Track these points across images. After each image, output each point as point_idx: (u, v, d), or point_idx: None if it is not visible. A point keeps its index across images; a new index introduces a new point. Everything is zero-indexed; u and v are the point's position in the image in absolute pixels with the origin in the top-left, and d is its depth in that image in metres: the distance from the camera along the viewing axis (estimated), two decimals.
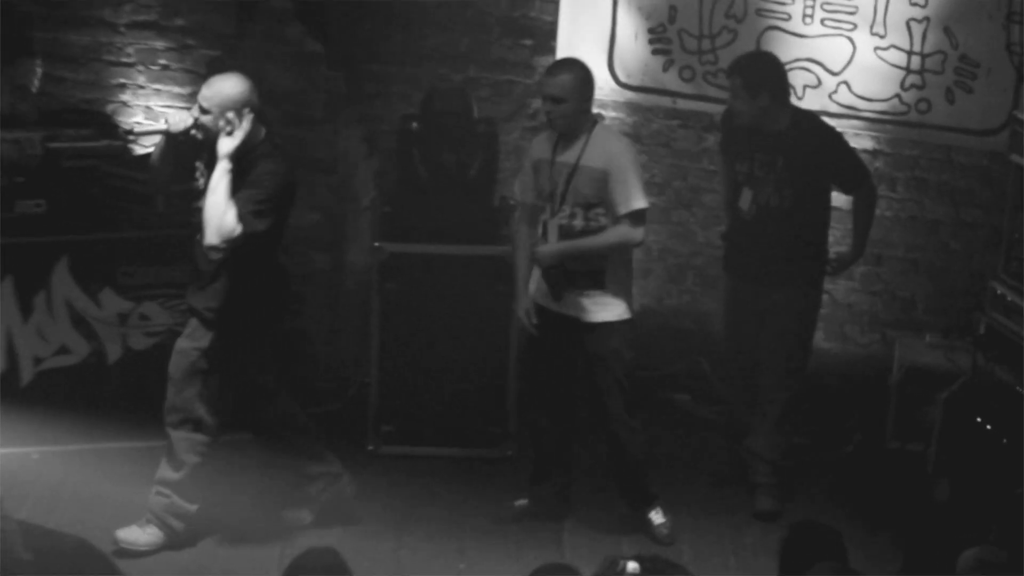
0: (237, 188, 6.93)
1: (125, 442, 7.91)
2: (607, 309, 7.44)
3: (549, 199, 7.45)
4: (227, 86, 7.05)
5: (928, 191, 8.86)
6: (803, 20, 8.66)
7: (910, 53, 8.59)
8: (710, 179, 8.95)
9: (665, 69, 8.88)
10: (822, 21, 8.64)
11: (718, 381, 8.47)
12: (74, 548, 6.43)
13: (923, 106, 8.64)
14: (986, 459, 7.42)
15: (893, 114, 8.69)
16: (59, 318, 8.09)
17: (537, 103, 8.34)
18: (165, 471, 7.32)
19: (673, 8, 8.80)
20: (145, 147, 8.15)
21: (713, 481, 8.19)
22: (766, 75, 7.77)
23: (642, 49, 8.88)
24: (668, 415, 8.71)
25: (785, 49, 8.59)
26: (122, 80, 9.18)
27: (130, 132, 7.39)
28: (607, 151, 7.35)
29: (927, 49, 8.56)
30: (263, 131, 7.13)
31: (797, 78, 8.41)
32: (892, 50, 8.60)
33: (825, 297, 8.29)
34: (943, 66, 8.56)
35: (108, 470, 7.81)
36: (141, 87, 9.12)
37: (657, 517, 7.66)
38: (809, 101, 8.44)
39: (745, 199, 7.83)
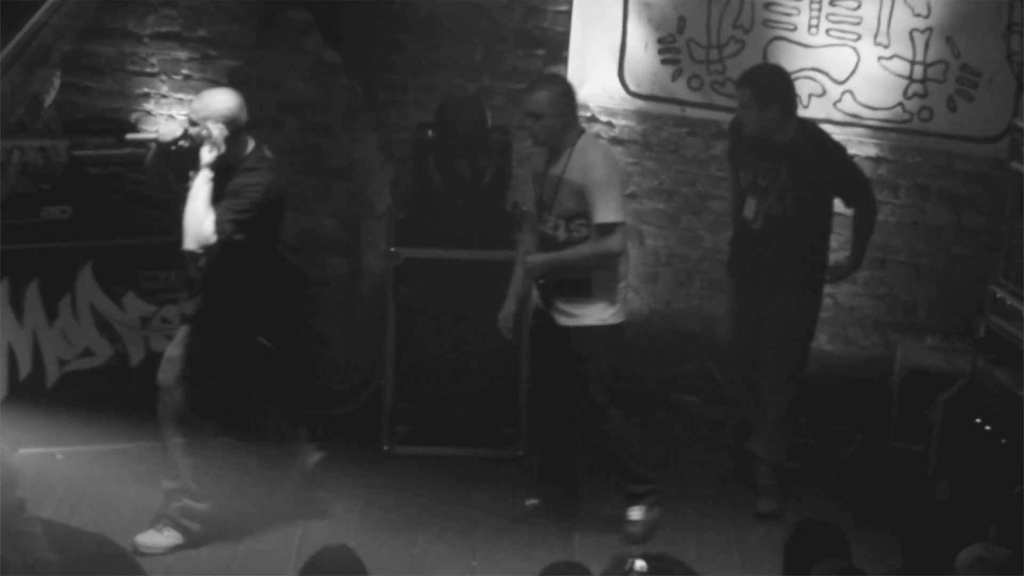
0: (221, 198, 6.98)
1: (147, 442, 7.88)
2: (589, 314, 7.42)
3: (542, 210, 7.47)
4: (214, 100, 7.14)
5: (930, 197, 8.84)
6: (808, 30, 8.66)
7: (913, 62, 8.58)
8: (718, 186, 8.93)
9: (674, 78, 8.88)
10: (827, 31, 8.64)
11: (725, 383, 8.48)
12: (96, 546, 6.44)
13: (925, 114, 8.63)
14: (985, 459, 7.41)
15: (896, 122, 8.68)
16: (83, 321, 8.10)
17: None
18: (166, 481, 7.33)
19: (682, 19, 8.80)
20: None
21: (719, 481, 8.16)
22: (776, 87, 7.76)
23: (652, 59, 8.88)
24: (676, 416, 8.70)
25: (791, 59, 8.59)
26: (146, 90, 9.19)
27: (123, 139, 7.40)
28: (585, 164, 7.33)
29: (929, 58, 8.55)
30: (251, 144, 7.17)
31: (802, 87, 8.40)
32: (895, 59, 8.59)
33: (829, 301, 8.28)
34: (945, 75, 8.55)
35: (130, 470, 7.81)
36: (164, 96, 9.13)
37: (634, 514, 7.61)
38: (814, 109, 8.44)
39: (750, 208, 7.81)
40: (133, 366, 8.16)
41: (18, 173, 8.05)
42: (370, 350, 8.61)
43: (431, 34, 9.06)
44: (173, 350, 7.28)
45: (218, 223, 6.94)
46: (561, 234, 7.42)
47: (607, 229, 7.33)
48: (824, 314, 8.23)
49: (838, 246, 8.10)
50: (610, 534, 7.57)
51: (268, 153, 7.23)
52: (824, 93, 8.66)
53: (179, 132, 7.10)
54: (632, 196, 9.09)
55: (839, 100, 8.68)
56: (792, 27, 8.67)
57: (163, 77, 9.17)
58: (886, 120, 8.68)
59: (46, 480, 7.66)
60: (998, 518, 6.98)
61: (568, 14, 8.92)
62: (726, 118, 8.57)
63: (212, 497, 7.38)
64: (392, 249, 8.27)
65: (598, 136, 8.91)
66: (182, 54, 9.09)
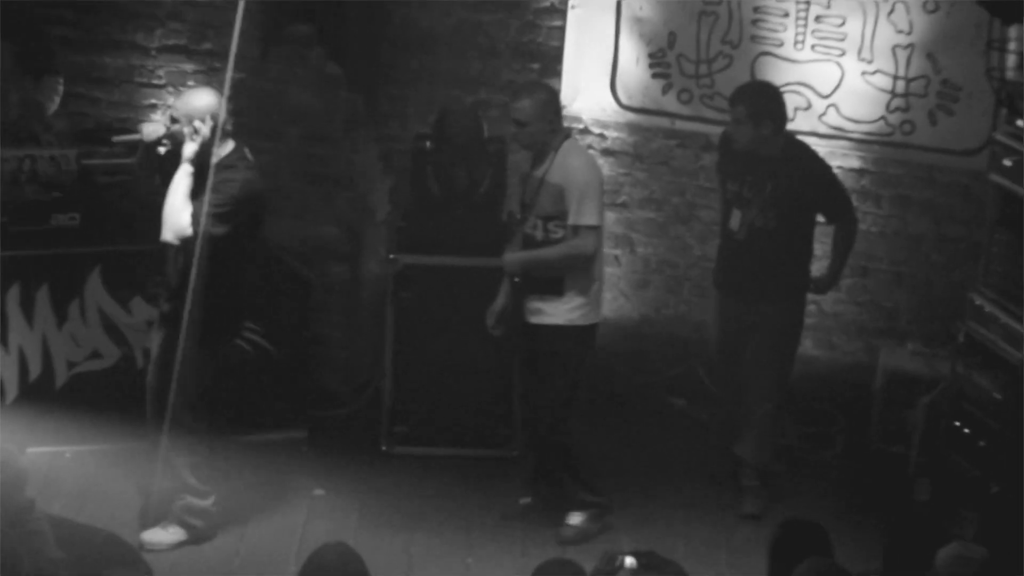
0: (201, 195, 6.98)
1: (152, 442, 7.89)
2: (558, 314, 7.40)
3: (523, 209, 7.48)
4: (195, 98, 7.16)
5: (911, 207, 8.84)
6: (795, 46, 8.66)
7: (895, 77, 8.59)
8: (706, 196, 8.93)
9: (664, 92, 8.89)
10: (812, 47, 8.65)
11: (711, 386, 8.47)
12: (103, 541, 6.46)
13: (907, 127, 8.65)
14: (964, 461, 7.42)
15: (879, 135, 8.69)
16: (92, 324, 8.08)
17: None
18: (166, 480, 7.29)
19: (672, 34, 8.81)
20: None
21: (706, 481, 8.15)
22: (769, 104, 7.73)
23: (643, 73, 8.89)
24: (665, 418, 8.69)
25: (777, 73, 8.60)
26: (153, 100, 9.20)
27: (108, 140, 7.39)
28: (566, 167, 7.32)
29: (911, 74, 8.57)
30: (232, 144, 7.15)
31: (788, 101, 8.35)
32: (878, 75, 8.60)
33: (813, 307, 8.28)
34: (926, 90, 8.56)
35: (136, 468, 7.79)
36: (171, 107, 9.11)
37: (574, 519, 7.57)
38: (800, 123, 8.44)
39: (735, 219, 7.80)
40: (139, 368, 8.14)
41: (29, 181, 8.04)
42: (370, 353, 8.61)
43: (430, 48, 9.07)
44: (156, 351, 7.26)
45: (195, 216, 6.92)
46: (539, 233, 7.41)
47: (582, 231, 7.32)
48: (809, 320, 8.23)
49: (822, 254, 8.10)
50: (601, 532, 7.56)
51: (248, 155, 7.22)
52: (809, 107, 8.67)
53: (162, 131, 7.13)
54: (623, 205, 9.11)
55: (824, 113, 8.69)
56: (779, 43, 8.67)
57: (170, 89, 9.18)
58: (869, 133, 8.70)
59: (55, 478, 7.67)
60: (976, 517, 7.00)
61: (562, 29, 8.93)
62: (715, 130, 8.58)
63: (214, 494, 7.38)
64: (392, 256, 8.27)
65: (588, 146, 8.94)
66: (189, 66, 9.10)
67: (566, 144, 7.42)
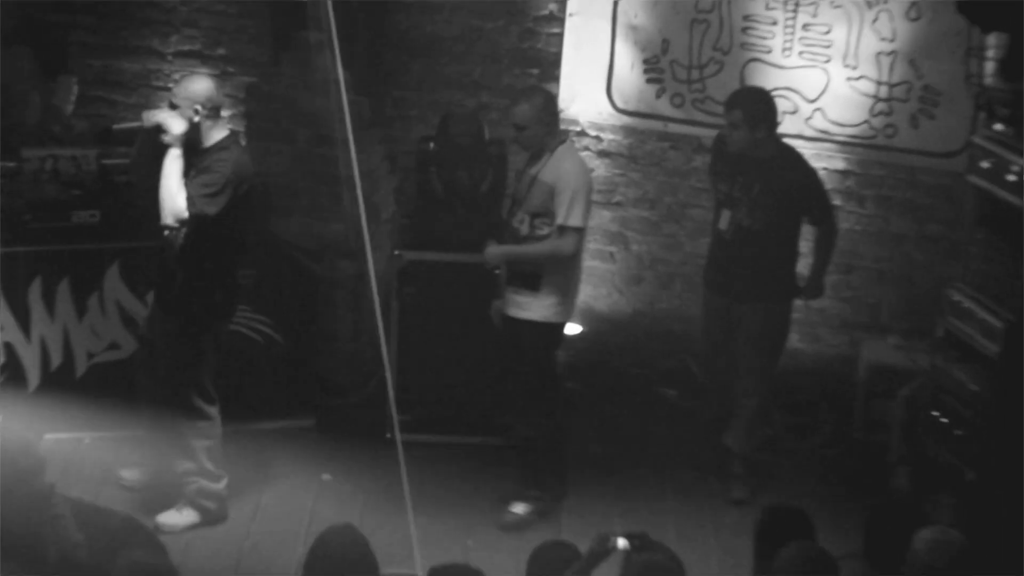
0: (192, 178, 6.97)
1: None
2: (533, 309, 7.42)
3: (513, 204, 7.51)
4: (193, 83, 7.16)
5: (894, 207, 8.85)
6: (783, 53, 8.68)
7: (879, 83, 8.60)
8: (698, 195, 8.94)
9: (658, 96, 8.90)
10: (799, 54, 8.66)
11: (700, 377, 8.48)
12: (121, 523, 6.47)
13: (890, 131, 8.66)
14: (942, 450, 7.43)
15: (863, 138, 8.71)
16: (110, 317, 8.10)
17: None
18: (181, 463, 7.31)
19: (666, 41, 8.82)
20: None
21: (696, 468, 8.17)
22: (763, 109, 7.73)
23: (637, 78, 8.90)
24: (657, 408, 8.68)
25: (766, 79, 8.61)
26: None
27: (108, 130, 7.37)
28: (559, 169, 7.33)
29: (894, 79, 8.58)
30: (226, 130, 7.18)
31: (776, 105, 8.41)
32: (863, 80, 8.62)
33: (800, 303, 8.29)
34: (908, 95, 8.58)
35: (151, 453, 7.81)
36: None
37: (517, 508, 7.59)
38: (787, 126, 8.45)
39: (724, 219, 7.81)
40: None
41: (51, 180, 8.06)
42: (375, 345, 8.61)
43: (434, 54, 9.07)
44: (160, 340, 7.24)
45: (190, 198, 6.93)
46: (524, 229, 7.41)
47: (566, 232, 7.31)
48: (795, 315, 8.23)
49: (808, 251, 8.11)
50: (594, 515, 7.60)
51: (241, 140, 7.24)
52: (796, 111, 8.68)
53: (161, 116, 7.09)
54: (618, 204, 9.12)
55: (810, 117, 8.70)
56: (767, 49, 8.69)
57: None
58: (854, 136, 8.71)
59: (75, 463, 7.70)
60: (952, 503, 7.02)
61: (560, 36, 8.93)
62: (706, 133, 8.60)
63: (226, 477, 7.40)
64: (396, 252, 8.29)
65: (585, 147, 8.96)
66: (203, 71, 9.08)
67: (562, 147, 7.42)
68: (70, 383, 8.06)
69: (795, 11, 8.60)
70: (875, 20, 8.51)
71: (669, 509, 7.76)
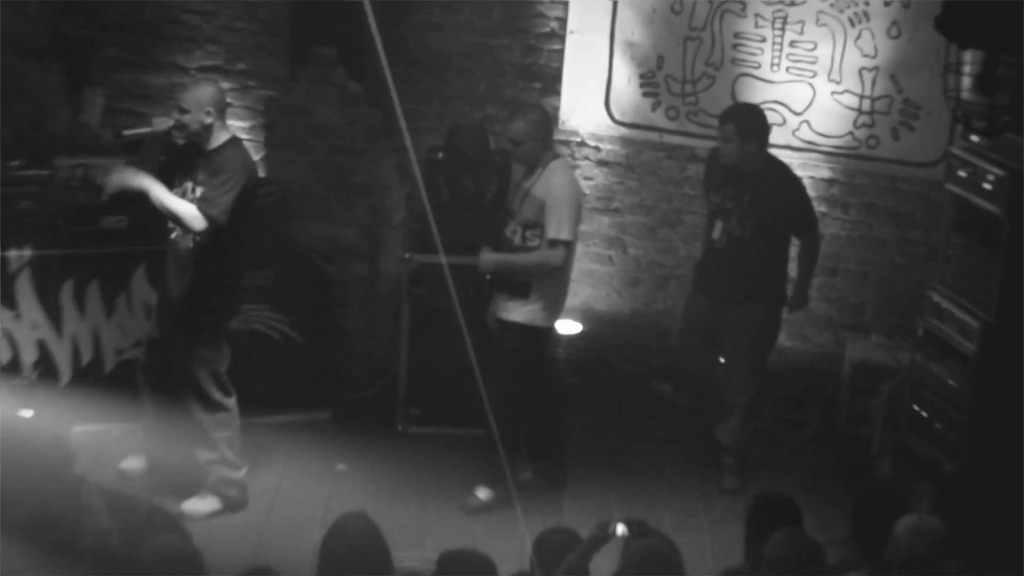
0: (203, 180, 6.99)
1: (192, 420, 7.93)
2: (521, 314, 7.43)
3: (507, 214, 7.51)
4: (201, 89, 7.17)
5: (876, 214, 8.87)
6: (771, 68, 8.69)
7: (862, 97, 8.62)
8: (691, 203, 8.95)
9: (653, 109, 8.91)
10: (787, 69, 8.67)
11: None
12: (147, 511, 6.45)
13: (872, 142, 8.67)
14: (922, 442, 7.45)
15: (847, 148, 8.72)
16: (137, 316, 8.12)
17: None
18: (203, 453, 7.30)
19: (661, 57, 8.83)
20: None
21: (689, 459, 8.19)
22: (756, 124, 7.74)
23: (634, 92, 8.91)
24: (652, 402, 8.68)
25: (755, 93, 8.63)
26: None
27: (118, 135, 7.37)
28: (550, 184, 7.33)
29: (876, 93, 8.60)
30: (230, 134, 7.18)
31: (768, 121, 8.43)
32: (846, 94, 8.63)
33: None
34: (890, 108, 8.60)
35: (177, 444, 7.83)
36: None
37: (481, 493, 7.59)
38: (775, 137, 8.42)
39: (716, 228, 7.82)
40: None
41: (81, 187, 8.08)
42: (387, 343, 8.64)
43: (441, 69, 9.08)
44: (176, 340, 7.22)
45: (210, 201, 6.92)
46: (516, 239, 7.43)
47: (555, 244, 7.31)
48: (783, 315, 8.26)
49: (794, 254, 8.14)
50: (595, 502, 7.61)
51: (244, 145, 7.26)
52: (784, 123, 8.70)
53: (171, 123, 7.09)
54: (616, 211, 9.14)
55: (797, 129, 8.72)
56: (757, 65, 8.70)
57: None
58: (838, 147, 8.72)
59: (104, 453, 7.71)
60: (932, 492, 7.04)
61: (561, 52, 8.94)
62: (699, 144, 8.62)
63: (246, 466, 7.41)
64: (406, 255, 8.28)
65: (585, 157, 8.98)
66: (224, 84, 9.08)
67: (555, 162, 7.43)
68: (100, 378, 8.09)
69: (783, 29, 8.62)
70: (858, 38, 8.54)
71: (665, 497, 7.78)
